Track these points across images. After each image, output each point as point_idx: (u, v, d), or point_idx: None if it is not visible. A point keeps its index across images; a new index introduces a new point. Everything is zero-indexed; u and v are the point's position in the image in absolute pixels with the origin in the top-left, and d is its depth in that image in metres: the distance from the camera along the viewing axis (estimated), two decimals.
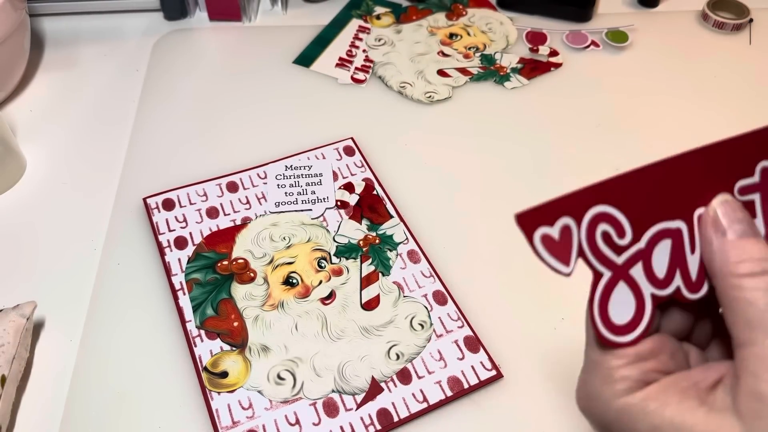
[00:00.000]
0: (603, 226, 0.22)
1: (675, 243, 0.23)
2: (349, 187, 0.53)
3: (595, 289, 0.22)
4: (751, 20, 0.70)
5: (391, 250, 0.48)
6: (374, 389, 0.41)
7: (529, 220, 0.21)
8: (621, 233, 0.22)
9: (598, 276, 0.22)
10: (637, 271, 0.22)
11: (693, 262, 0.23)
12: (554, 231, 0.21)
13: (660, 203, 0.23)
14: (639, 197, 0.22)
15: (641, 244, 0.22)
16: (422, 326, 0.44)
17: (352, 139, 0.57)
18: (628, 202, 0.22)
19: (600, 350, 0.23)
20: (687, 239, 0.23)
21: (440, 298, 0.46)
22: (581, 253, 0.21)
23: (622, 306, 0.22)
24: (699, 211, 0.23)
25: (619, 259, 0.22)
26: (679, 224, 0.23)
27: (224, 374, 0.41)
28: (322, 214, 0.51)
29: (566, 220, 0.21)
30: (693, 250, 0.23)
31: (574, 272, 0.21)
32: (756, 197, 0.24)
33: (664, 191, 0.23)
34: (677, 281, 0.23)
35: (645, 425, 0.21)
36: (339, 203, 0.51)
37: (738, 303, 0.21)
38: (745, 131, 0.23)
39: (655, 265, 0.23)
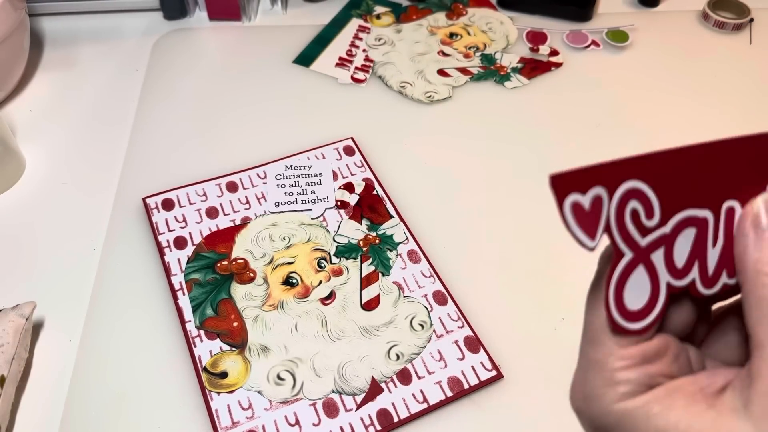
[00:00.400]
0: (633, 204, 0.20)
1: (699, 233, 0.22)
2: (349, 187, 0.53)
3: (614, 269, 0.21)
4: (751, 20, 0.70)
5: (391, 250, 0.48)
6: (374, 389, 0.41)
7: (563, 183, 0.19)
8: (650, 214, 0.21)
9: (619, 255, 0.21)
10: (658, 257, 0.21)
11: (712, 257, 0.22)
12: (586, 200, 0.20)
13: (693, 188, 0.22)
14: (674, 178, 0.21)
15: (667, 228, 0.21)
16: (422, 326, 0.44)
17: (352, 138, 0.57)
18: (663, 182, 0.21)
19: (602, 350, 0.22)
20: (711, 231, 0.22)
21: (440, 298, 0.45)
22: (607, 228, 0.20)
23: (637, 291, 0.21)
24: (728, 203, 0.22)
25: (643, 241, 0.21)
26: (706, 214, 0.22)
27: (224, 374, 0.41)
28: (322, 214, 0.50)
29: (599, 190, 0.20)
30: (714, 244, 0.22)
31: (598, 247, 0.20)
32: None
33: (699, 176, 0.21)
34: (694, 273, 0.22)
35: (649, 429, 0.21)
36: (339, 203, 0.51)
37: (765, 302, 0.20)
38: None
39: (675, 254, 0.22)
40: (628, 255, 0.21)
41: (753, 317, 0.21)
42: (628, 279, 0.21)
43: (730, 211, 0.22)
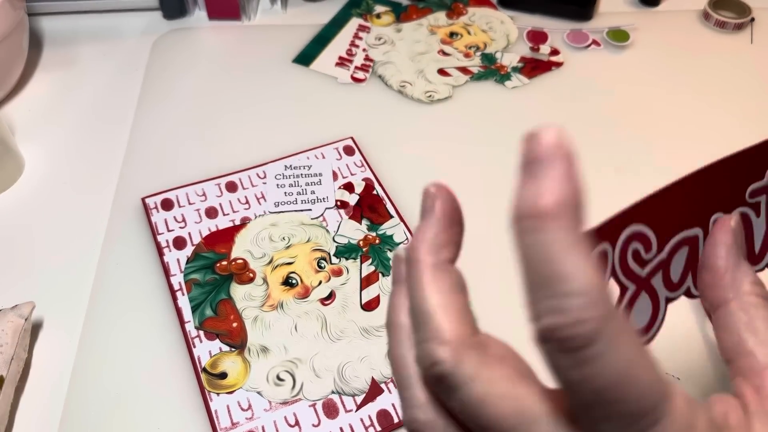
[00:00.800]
0: (634, 245, 0.23)
1: (691, 249, 0.24)
2: (348, 187, 0.52)
3: (620, 304, 0.23)
4: (752, 19, 0.70)
5: (391, 250, 0.48)
6: (374, 390, 0.41)
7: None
8: (648, 248, 0.23)
9: (624, 290, 0.23)
10: (657, 280, 0.24)
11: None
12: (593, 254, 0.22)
13: (682, 215, 0.24)
14: (667, 212, 0.24)
15: (663, 254, 0.23)
16: None
17: (351, 138, 0.57)
18: (658, 219, 0.23)
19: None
20: (702, 243, 0.24)
21: None
22: (613, 274, 0.23)
23: (640, 313, 0.23)
24: (715, 216, 0.24)
25: (644, 272, 0.23)
26: (696, 231, 0.24)
27: (223, 375, 0.41)
28: (322, 214, 0.50)
29: (604, 246, 0.23)
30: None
31: None
32: (762, 199, 0.25)
33: (686, 204, 0.24)
34: (688, 282, 0.24)
35: None
36: (339, 203, 0.51)
37: (757, 321, 0.21)
38: (754, 144, 0.24)
39: (672, 272, 0.24)
40: (631, 288, 0.23)
41: (750, 341, 0.22)
42: (633, 307, 0.23)
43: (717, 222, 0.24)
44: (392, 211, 0.51)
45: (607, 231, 0.22)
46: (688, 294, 0.24)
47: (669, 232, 0.23)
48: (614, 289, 0.23)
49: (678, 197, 0.23)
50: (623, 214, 0.22)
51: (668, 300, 0.24)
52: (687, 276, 0.24)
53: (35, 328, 0.44)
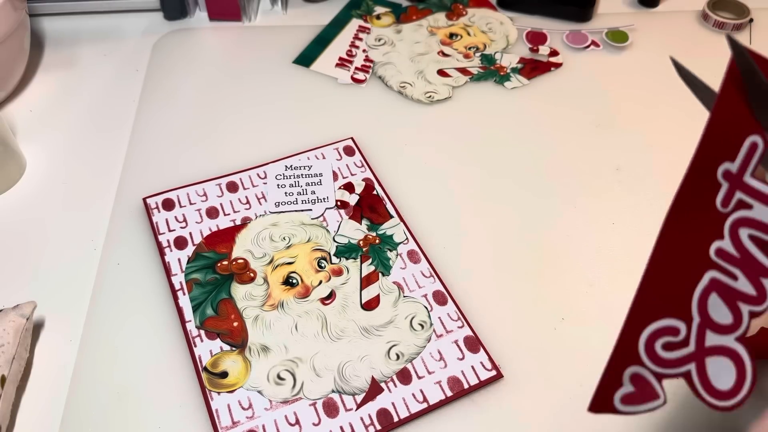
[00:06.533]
0: (659, 342, 0.24)
1: (720, 289, 0.24)
2: (349, 187, 0.53)
3: (693, 386, 0.23)
4: (751, 20, 0.70)
5: (391, 250, 0.48)
6: (374, 389, 0.41)
7: (602, 402, 0.23)
8: (674, 332, 0.24)
9: (687, 376, 0.23)
10: (711, 338, 0.23)
11: (743, 285, 0.24)
12: (627, 387, 0.24)
13: (681, 279, 0.24)
14: (663, 295, 0.24)
15: (696, 319, 0.24)
16: (422, 326, 0.44)
17: (352, 139, 0.57)
18: (659, 308, 0.24)
19: None
20: (724, 277, 0.24)
21: (440, 298, 0.46)
22: (661, 377, 0.23)
23: (721, 373, 0.23)
24: (712, 248, 0.24)
25: (691, 347, 0.23)
26: (709, 275, 0.24)
27: (224, 374, 0.41)
28: (322, 214, 0.51)
29: (630, 370, 0.23)
30: (735, 278, 0.24)
31: (667, 396, 0.23)
32: (740, 195, 0.24)
33: (675, 270, 0.24)
34: (745, 309, 0.24)
35: None
36: (339, 203, 0.51)
37: None
38: (686, 172, 0.24)
39: (719, 319, 0.24)
40: (692, 367, 0.23)
41: None
42: (707, 377, 0.24)
43: (719, 251, 0.24)
44: (392, 211, 0.51)
45: (622, 359, 0.23)
46: (755, 315, 0.24)
47: (682, 301, 0.23)
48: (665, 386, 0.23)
49: (663, 274, 0.23)
50: (624, 335, 0.23)
51: (739, 339, 0.24)
52: (738, 307, 0.24)
53: (36, 328, 0.44)
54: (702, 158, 0.24)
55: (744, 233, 0.24)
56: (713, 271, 0.24)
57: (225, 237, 0.49)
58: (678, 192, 0.24)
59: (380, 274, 0.47)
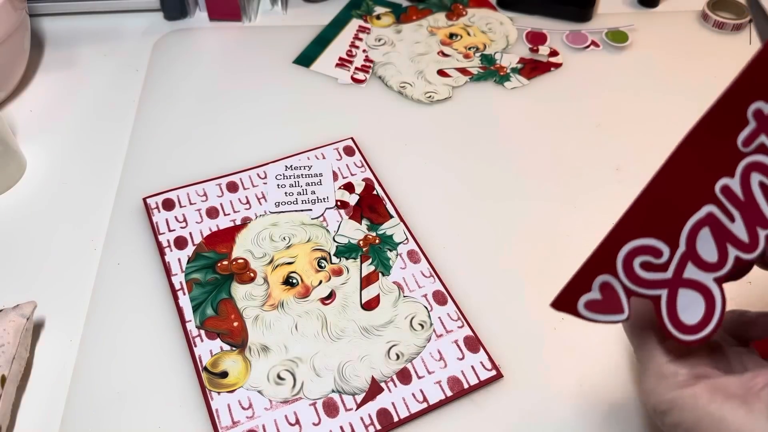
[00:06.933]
0: (639, 259, 0.23)
1: (713, 226, 0.23)
2: (349, 187, 0.53)
3: (659, 312, 0.23)
4: (751, 20, 0.70)
5: (391, 250, 0.48)
6: (374, 389, 0.41)
7: (565, 301, 0.23)
8: (657, 254, 0.23)
9: (656, 299, 0.23)
10: (691, 271, 0.23)
11: (738, 229, 0.23)
12: (594, 293, 0.23)
13: (678, 205, 0.23)
14: (656, 215, 0.23)
15: (681, 248, 0.23)
16: (422, 326, 0.44)
17: (352, 139, 0.57)
18: (649, 226, 0.23)
19: (648, 352, 0.25)
20: (722, 215, 0.23)
21: (440, 298, 0.46)
22: (630, 293, 0.23)
23: (691, 307, 0.23)
24: (719, 184, 0.23)
25: (668, 274, 0.23)
26: (707, 209, 0.23)
27: (224, 374, 0.41)
28: (322, 214, 0.51)
29: (601, 278, 0.23)
30: (733, 220, 0.23)
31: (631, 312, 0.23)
32: (764, 139, 0.24)
33: (675, 194, 0.23)
34: (733, 252, 0.23)
35: (694, 413, 0.23)
36: (339, 203, 0.51)
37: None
38: (718, 95, 0.23)
39: (704, 255, 0.23)
40: (663, 293, 0.23)
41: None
42: (676, 307, 0.23)
43: (725, 188, 0.23)
44: (392, 211, 0.51)
45: (598, 263, 0.23)
46: (740, 262, 0.23)
47: (673, 227, 0.23)
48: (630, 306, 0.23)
49: (660, 194, 0.23)
50: (607, 241, 0.23)
51: (718, 279, 0.23)
52: (726, 248, 0.23)
53: (37, 328, 0.44)
54: (737, 91, 0.23)
55: (756, 178, 0.23)
56: (713, 206, 0.23)
57: (225, 237, 0.49)
58: (702, 117, 0.24)
59: (380, 274, 0.47)
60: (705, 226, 0.23)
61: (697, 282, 0.23)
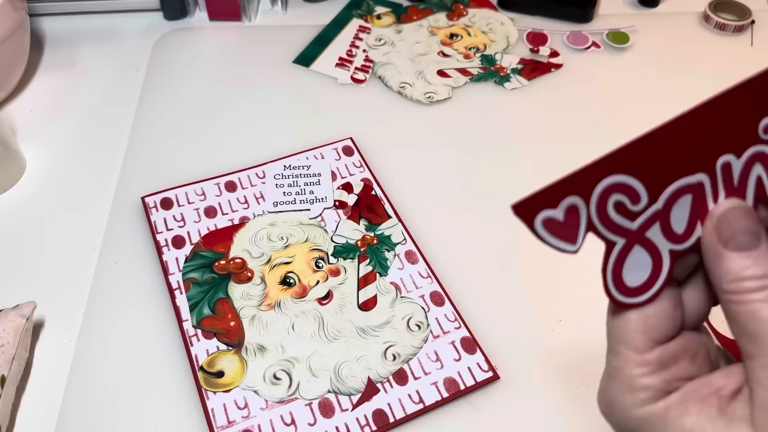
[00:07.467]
0: (616, 197, 0.21)
1: (696, 197, 0.22)
2: (347, 187, 0.53)
3: (607, 259, 0.22)
4: (752, 22, 0.70)
5: (388, 251, 0.48)
6: (370, 390, 0.41)
7: (527, 208, 0.20)
8: (635, 199, 0.21)
9: (611, 245, 0.21)
10: (654, 232, 0.22)
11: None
12: (558, 212, 0.21)
13: (677, 161, 0.22)
14: (653, 160, 0.21)
15: (658, 204, 0.22)
16: (419, 327, 0.44)
17: (351, 139, 0.57)
18: (642, 168, 0.21)
19: (621, 358, 0.23)
20: (709, 190, 0.22)
21: (437, 299, 0.46)
22: (591, 227, 0.21)
23: (637, 268, 0.22)
24: (722, 159, 0.22)
25: (634, 225, 0.22)
26: (700, 177, 0.22)
27: (220, 374, 0.41)
28: (320, 214, 0.51)
29: (572, 200, 0.21)
30: (716, 199, 0.22)
31: (582, 249, 0.21)
32: None
33: (680, 148, 0.22)
34: (698, 232, 0.22)
35: None
36: (337, 203, 0.51)
37: (739, 317, 0.21)
38: (762, 70, 0.22)
39: (673, 222, 0.22)
40: (620, 242, 0.22)
41: (734, 331, 0.21)
42: (625, 261, 0.22)
43: (726, 166, 0.22)
44: (390, 212, 0.51)
45: (576, 184, 0.21)
46: (698, 246, 0.22)
47: (662, 180, 0.22)
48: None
49: (668, 142, 0.21)
50: (595, 164, 0.21)
51: (673, 253, 0.22)
52: (695, 225, 0.22)
53: (36, 328, 0.44)
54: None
55: (757, 170, 0.22)
56: (706, 177, 0.22)
57: (223, 236, 0.49)
58: (740, 84, 0.22)
59: (378, 275, 0.47)
60: (689, 193, 0.22)
61: (655, 246, 0.22)
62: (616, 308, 0.23)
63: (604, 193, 0.21)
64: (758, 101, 0.22)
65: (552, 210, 0.21)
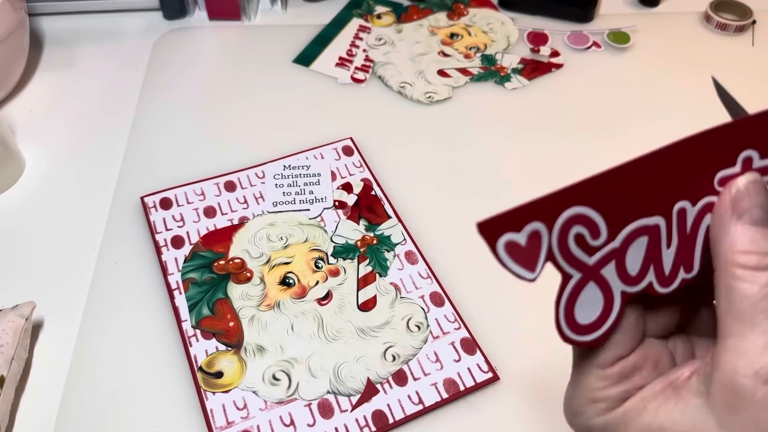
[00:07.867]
0: (577, 229, 0.21)
1: (651, 239, 0.22)
2: (347, 187, 0.53)
3: (562, 292, 0.22)
4: (754, 22, 0.70)
5: (388, 251, 0.48)
6: (369, 390, 0.41)
7: (492, 228, 0.20)
8: (595, 234, 0.21)
9: (567, 278, 0.21)
10: (609, 271, 0.22)
11: (668, 258, 0.23)
12: (521, 237, 0.20)
13: (638, 200, 0.22)
14: (617, 196, 0.21)
15: (616, 243, 0.22)
16: (419, 328, 0.44)
17: (351, 138, 0.57)
18: (606, 202, 0.21)
19: (584, 371, 0.24)
20: (664, 234, 0.22)
21: (437, 300, 0.45)
22: (550, 257, 0.21)
23: (589, 306, 0.22)
24: (679, 205, 0.22)
25: (591, 260, 0.22)
26: (657, 220, 0.22)
27: (219, 374, 0.41)
28: (320, 214, 0.50)
29: (535, 225, 0.20)
30: (669, 245, 0.23)
31: (539, 277, 0.21)
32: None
33: (643, 188, 0.22)
34: (650, 277, 0.23)
35: None
36: (337, 203, 0.51)
37: (733, 293, 0.20)
38: (725, 122, 0.22)
39: (628, 263, 0.22)
40: (576, 276, 0.22)
41: (722, 306, 0.21)
42: (578, 297, 0.22)
43: (682, 212, 0.23)
44: (390, 212, 0.51)
45: (542, 209, 0.20)
46: (651, 290, 0.22)
47: (622, 218, 0.22)
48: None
49: (632, 180, 0.21)
50: (563, 192, 0.21)
51: (625, 294, 0.22)
52: (648, 269, 0.22)
53: (35, 328, 0.44)
54: (738, 129, 0.22)
55: (707, 221, 0.23)
56: (663, 221, 0.22)
57: (222, 236, 0.49)
58: (702, 133, 0.22)
59: (377, 275, 0.47)
60: (645, 235, 0.22)
61: (608, 285, 0.22)
62: (565, 342, 0.23)
63: (567, 223, 0.21)
64: (719, 152, 0.23)
65: (515, 234, 0.20)
